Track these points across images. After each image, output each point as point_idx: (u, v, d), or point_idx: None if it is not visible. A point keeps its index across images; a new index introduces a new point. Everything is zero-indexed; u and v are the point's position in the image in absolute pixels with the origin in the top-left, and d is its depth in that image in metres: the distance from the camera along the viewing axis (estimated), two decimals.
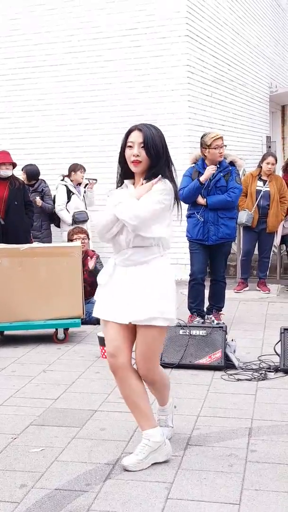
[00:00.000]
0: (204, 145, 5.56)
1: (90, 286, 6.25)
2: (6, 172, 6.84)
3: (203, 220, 5.61)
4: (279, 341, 4.56)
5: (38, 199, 7.73)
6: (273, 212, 7.29)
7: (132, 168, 3.02)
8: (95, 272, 6.16)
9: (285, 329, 4.52)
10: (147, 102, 8.43)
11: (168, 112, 8.35)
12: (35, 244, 6.43)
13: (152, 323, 2.96)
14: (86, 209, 8.01)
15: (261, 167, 7.38)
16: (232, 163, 5.79)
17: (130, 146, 2.99)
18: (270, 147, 12.85)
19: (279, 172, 8.57)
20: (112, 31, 8.53)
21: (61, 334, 5.46)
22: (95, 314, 3.18)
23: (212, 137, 5.53)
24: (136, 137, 2.98)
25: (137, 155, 2.97)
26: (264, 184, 7.34)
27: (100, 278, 3.13)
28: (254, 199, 7.30)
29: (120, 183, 3.12)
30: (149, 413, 3.07)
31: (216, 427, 3.52)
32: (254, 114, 11.94)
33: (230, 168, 5.69)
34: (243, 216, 7.27)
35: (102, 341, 4.90)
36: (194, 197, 5.59)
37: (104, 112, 8.65)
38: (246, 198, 7.36)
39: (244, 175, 7.82)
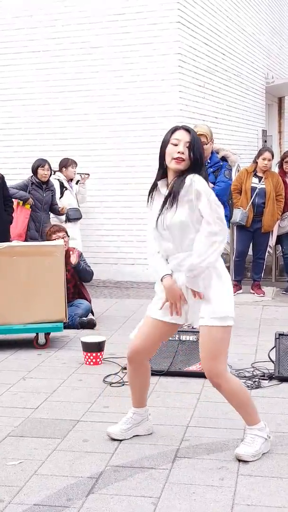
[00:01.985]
0: None
1: (73, 288, 6.25)
2: None
3: None
4: (273, 347, 4.58)
5: (63, 206, 7.69)
6: (268, 210, 7.32)
7: (173, 165, 3.16)
8: (78, 268, 6.16)
9: (280, 335, 4.55)
10: (136, 92, 8.44)
11: (158, 103, 8.36)
12: (15, 243, 6.41)
13: (216, 325, 3.18)
14: (79, 206, 7.99)
15: (256, 162, 7.41)
16: (224, 158, 5.81)
17: (175, 144, 3.15)
18: (266, 141, 12.91)
19: (275, 168, 8.61)
20: (99, 16, 8.52)
21: (42, 339, 5.44)
22: (162, 317, 3.33)
23: (198, 132, 5.55)
24: (183, 136, 3.16)
25: (182, 153, 3.13)
26: (259, 181, 7.37)
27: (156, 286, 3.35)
28: (249, 197, 7.33)
29: (155, 183, 3.27)
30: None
31: (206, 438, 3.53)
32: (250, 107, 11.99)
33: (221, 163, 5.71)
34: (237, 215, 7.29)
35: (85, 346, 4.90)
36: None
37: (90, 102, 8.65)
38: (240, 195, 7.39)
39: (238, 171, 7.85)
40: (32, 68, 8.86)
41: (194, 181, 3.13)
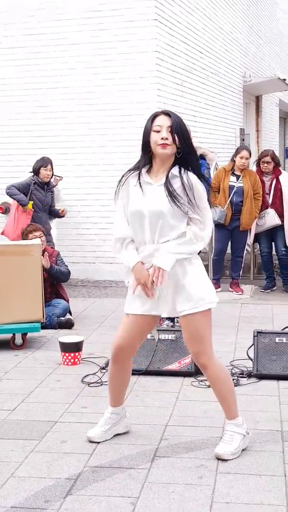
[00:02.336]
0: None
1: (50, 287, 6.21)
2: None
3: None
4: (252, 345, 4.60)
5: (63, 208, 7.64)
6: (246, 209, 7.36)
7: (159, 150, 3.16)
8: (51, 272, 6.09)
9: (258, 332, 4.57)
10: (114, 89, 8.42)
11: (136, 101, 8.35)
12: None
13: (198, 309, 3.21)
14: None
15: (234, 161, 7.44)
16: (202, 157, 5.82)
17: (158, 131, 3.16)
18: (244, 140, 12.97)
19: (253, 167, 8.65)
20: (75, 13, 8.48)
21: (18, 340, 5.40)
22: (137, 311, 3.30)
23: None
24: (164, 121, 3.17)
25: (166, 138, 3.14)
26: (237, 180, 7.40)
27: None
28: (227, 195, 7.36)
29: (138, 168, 3.24)
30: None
31: (186, 437, 3.53)
32: (227, 105, 12.04)
33: (200, 161, 5.72)
34: (216, 213, 7.31)
35: (63, 347, 4.87)
36: None
37: (67, 99, 8.60)
38: (218, 194, 7.41)
39: (216, 169, 7.87)
40: (8, 65, 8.78)
41: (191, 178, 3.18)
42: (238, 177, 7.40)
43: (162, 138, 3.14)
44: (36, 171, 7.30)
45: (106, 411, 3.53)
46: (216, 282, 7.58)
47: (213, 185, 7.37)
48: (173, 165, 3.22)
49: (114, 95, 8.43)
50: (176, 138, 3.15)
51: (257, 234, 7.72)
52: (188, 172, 3.21)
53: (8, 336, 5.45)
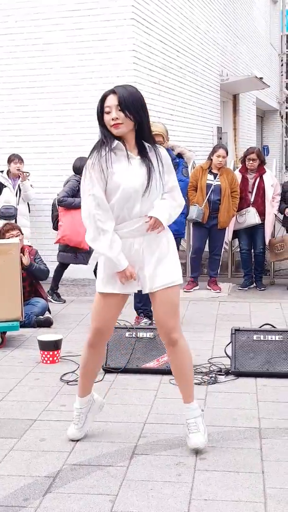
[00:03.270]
0: None
1: (29, 286, 6.19)
2: None
3: None
4: (230, 343, 4.64)
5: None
6: (224, 207, 7.40)
7: (114, 131, 3.16)
8: (30, 269, 6.09)
9: (236, 330, 4.60)
10: (91, 88, 8.39)
11: None
12: None
13: (176, 283, 3.28)
14: (18, 203, 7.83)
15: (211, 159, 7.47)
16: (180, 155, 5.84)
17: (108, 112, 3.15)
18: (221, 138, 13.03)
19: (231, 165, 8.70)
20: (52, 12, 8.45)
21: None
22: (113, 289, 3.28)
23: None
24: (112, 100, 3.14)
25: (117, 118, 3.12)
26: (214, 178, 7.43)
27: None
28: (205, 194, 7.39)
29: (105, 146, 3.16)
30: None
31: (164, 435, 3.55)
32: (205, 104, 12.08)
33: (178, 160, 5.73)
34: (193, 212, 7.34)
35: (42, 345, 4.87)
36: None
37: (44, 99, 8.57)
38: (196, 192, 7.45)
39: (194, 167, 7.90)
40: None
41: (165, 155, 3.28)
42: (215, 175, 7.44)
43: (112, 119, 3.13)
44: (79, 171, 6.82)
45: (75, 408, 3.48)
46: (194, 280, 7.62)
47: (191, 184, 7.40)
48: (136, 137, 3.22)
49: (92, 94, 8.39)
50: (128, 113, 3.11)
51: (236, 231, 7.78)
52: (156, 145, 3.28)
53: None
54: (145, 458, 3.27)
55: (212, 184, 7.40)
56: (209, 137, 12.25)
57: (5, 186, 7.79)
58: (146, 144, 3.24)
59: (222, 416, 3.81)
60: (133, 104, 3.13)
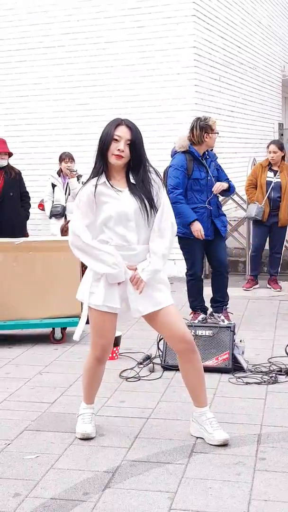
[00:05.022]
0: (208, 129, 5.54)
1: None
2: (1, 162, 6.89)
3: (206, 214, 5.63)
4: None
5: None
6: (285, 204, 7.27)
7: (113, 160, 3.23)
8: None
9: None
10: (151, 86, 8.42)
11: (174, 97, 8.33)
12: (31, 238, 6.44)
13: (171, 302, 3.37)
14: (67, 201, 7.91)
15: None
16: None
17: (117, 140, 3.21)
18: (282, 134, 12.83)
19: None
20: (113, 10, 8.51)
21: (58, 334, 5.46)
22: (112, 304, 3.31)
23: (214, 121, 5.61)
24: (124, 133, 3.22)
25: (122, 151, 3.21)
26: (274, 175, 7.32)
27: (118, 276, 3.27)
28: (265, 191, 7.28)
29: (96, 174, 3.28)
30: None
31: None
32: (266, 100, 11.92)
33: (216, 157, 5.77)
34: (253, 210, 7.25)
35: None
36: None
37: (105, 97, 8.64)
38: (255, 190, 7.35)
39: (254, 165, 7.80)
40: (47, 63, 8.87)
41: (155, 177, 3.29)
42: (275, 172, 7.32)
43: (118, 149, 3.19)
44: None
45: (87, 408, 3.54)
46: (254, 279, 7.53)
47: (250, 182, 7.32)
48: (126, 171, 3.28)
49: (152, 91, 8.43)
50: (134, 153, 3.21)
51: None
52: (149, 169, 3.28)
53: (48, 330, 5.52)
54: (204, 456, 3.25)
55: (272, 181, 7.29)
56: (270, 134, 12.08)
57: (56, 186, 7.90)
58: (135, 174, 3.26)
59: (283, 416, 3.75)
60: (140, 145, 3.23)
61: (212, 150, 5.85)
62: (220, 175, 5.73)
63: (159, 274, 3.33)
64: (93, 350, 3.43)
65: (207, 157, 5.65)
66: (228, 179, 5.77)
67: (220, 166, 5.82)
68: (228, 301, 5.93)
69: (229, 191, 5.79)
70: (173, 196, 5.40)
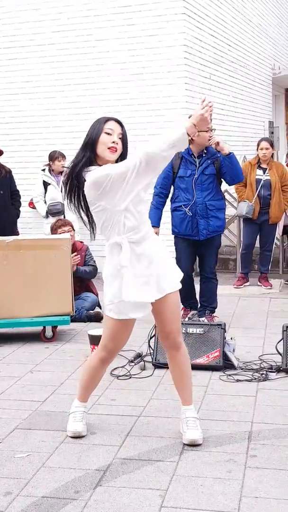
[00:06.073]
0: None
1: (79, 281, 6.25)
2: None
3: (191, 214, 5.56)
4: (281, 340, 4.57)
5: None
6: (275, 201, 7.29)
7: (108, 154, 3.19)
8: (77, 273, 6.07)
9: (287, 327, 4.53)
10: (142, 84, 8.41)
11: (164, 95, 8.33)
12: (21, 236, 6.42)
13: (179, 287, 3.33)
14: (65, 199, 7.91)
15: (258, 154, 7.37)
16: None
17: (109, 133, 3.20)
18: (272, 132, 12.86)
19: (283, 158, 8.56)
20: (103, 9, 8.49)
21: (49, 332, 5.45)
22: (132, 298, 3.19)
23: None
24: (116, 127, 3.23)
25: (117, 143, 3.20)
26: (264, 173, 7.33)
27: (123, 260, 3.19)
28: (254, 189, 7.29)
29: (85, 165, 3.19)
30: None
31: (214, 431, 3.52)
32: (256, 98, 11.93)
33: (218, 155, 5.60)
34: (243, 208, 7.26)
35: (92, 340, 4.90)
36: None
37: (95, 95, 8.62)
38: (245, 188, 7.36)
39: (244, 162, 7.81)
40: (37, 61, 8.84)
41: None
42: (264, 170, 7.33)
43: (113, 142, 3.18)
44: None
45: (80, 407, 3.52)
46: (245, 276, 7.54)
47: None
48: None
49: (142, 89, 8.42)
50: (125, 146, 3.23)
51: (285, 226, 7.66)
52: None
53: (39, 328, 5.50)
54: (195, 453, 3.25)
55: (261, 179, 7.30)
56: (261, 132, 12.09)
57: (49, 184, 7.88)
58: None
59: (273, 413, 3.76)
60: (127, 142, 3.27)
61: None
62: (222, 170, 5.55)
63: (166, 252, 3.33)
64: (100, 351, 3.41)
65: (204, 155, 5.58)
66: (224, 176, 5.60)
67: (226, 159, 5.49)
68: (215, 308, 5.85)
69: (230, 159, 5.49)
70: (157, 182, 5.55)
